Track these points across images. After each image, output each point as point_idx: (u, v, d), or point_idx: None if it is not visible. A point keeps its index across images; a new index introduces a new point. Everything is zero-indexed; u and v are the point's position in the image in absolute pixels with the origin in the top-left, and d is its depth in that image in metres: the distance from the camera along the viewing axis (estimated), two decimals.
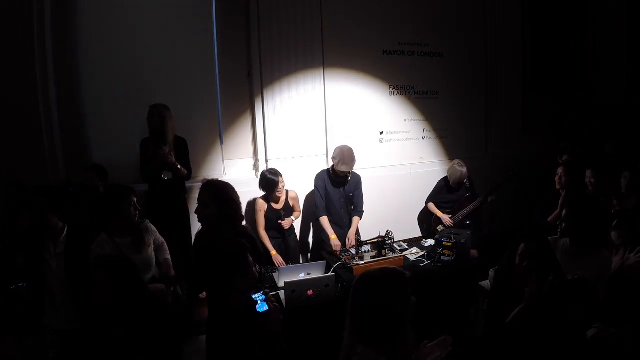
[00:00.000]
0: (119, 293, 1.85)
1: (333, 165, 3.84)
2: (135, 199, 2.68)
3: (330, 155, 4.52)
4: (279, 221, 3.74)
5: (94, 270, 1.90)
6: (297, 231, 4.19)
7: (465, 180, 4.25)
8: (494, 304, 2.40)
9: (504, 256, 2.44)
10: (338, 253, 3.63)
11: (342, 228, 3.91)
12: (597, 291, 2.37)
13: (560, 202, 3.79)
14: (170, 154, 3.55)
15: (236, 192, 2.48)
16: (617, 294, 2.19)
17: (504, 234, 4.58)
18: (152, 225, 2.83)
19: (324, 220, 3.84)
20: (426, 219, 4.57)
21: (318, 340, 2.67)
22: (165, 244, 2.89)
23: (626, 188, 3.39)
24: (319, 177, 3.94)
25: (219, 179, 2.68)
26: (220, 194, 2.41)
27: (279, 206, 3.82)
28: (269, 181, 3.68)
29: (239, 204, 2.48)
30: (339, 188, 3.91)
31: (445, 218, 4.19)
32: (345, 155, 3.74)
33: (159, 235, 2.86)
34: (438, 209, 4.31)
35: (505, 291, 2.30)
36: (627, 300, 2.12)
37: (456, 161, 4.26)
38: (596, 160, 4.24)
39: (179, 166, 3.60)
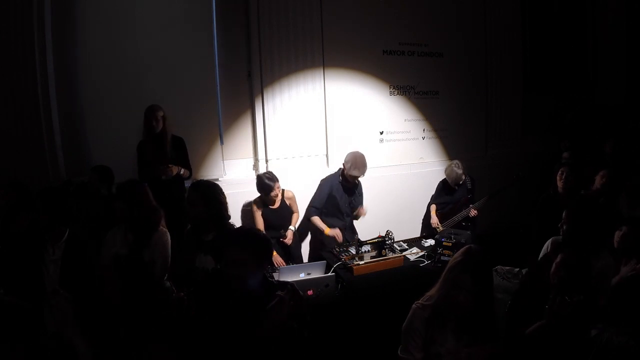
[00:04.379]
0: (133, 291, 1.85)
1: (344, 171, 3.84)
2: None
3: (331, 156, 4.55)
4: (281, 239, 3.74)
5: (113, 268, 1.90)
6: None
7: (467, 181, 4.24)
8: (516, 307, 2.34)
9: (537, 261, 2.41)
10: (340, 241, 3.65)
11: (342, 231, 3.87)
12: (599, 294, 2.35)
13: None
14: (171, 169, 3.57)
15: (223, 193, 2.59)
16: (620, 300, 2.16)
17: (504, 234, 4.62)
18: (168, 238, 2.78)
19: (316, 220, 3.84)
20: (424, 222, 4.58)
21: (318, 341, 2.67)
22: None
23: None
24: (326, 183, 3.90)
25: (207, 180, 2.82)
26: (208, 194, 2.53)
27: (275, 206, 3.83)
28: (265, 185, 3.69)
29: (225, 204, 2.59)
30: (347, 194, 3.91)
31: (434, 220, 4.21)
32: (357, 161, 3.76)
33: (167, 257, 2.81)
34: (439, 210, 4.32)
35: (531, 296, 2.23)
36: (630, 306, 2.10)
37: (454, 162, 4.26)
38: (597, 160, 4.23)
39: (182, 171, 3.66)
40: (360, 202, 4.05)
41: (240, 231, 2.14)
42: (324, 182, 3.94)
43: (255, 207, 3.81)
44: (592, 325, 2.03)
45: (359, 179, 3.96)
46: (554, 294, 2.06)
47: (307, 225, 4.24)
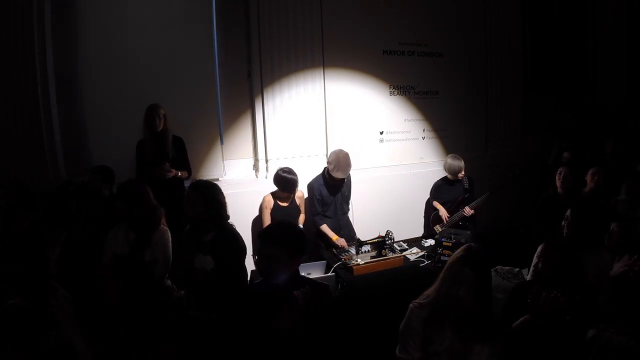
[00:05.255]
0: (134, 290, 1.85)
1: (328, 170, 3.76)
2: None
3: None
4: None
5: (113, 268, 1.90)
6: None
7: (464, 180, 4.23)
8: (510, 305, 2.35)
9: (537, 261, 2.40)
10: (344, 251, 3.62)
11: (338, 231, 3.88)
12: (597, 293, 2.36)
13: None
14: (170, 169, 3.56)
15: (222, 193, 2.60)
16: (619, 298, 2.16)
17: (504, 234, 4.63)
18: (169, 236, 2.81)
19: (325, 228, 3.79)
20: (426, 220, 4.57)
21: (317, 341, 2.66)
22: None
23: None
24: (314, 186, 3.82)
25: (207, 179, 2.84)
26: (207, 194, 2.53)
27: (285, 204, 3.83)
28: (289, 181, 3.67)
29: (224, 204, 2.59)
30: (336, 192, 3.88)
31: (444, 212, 4.18)
32: (340, 162, 3.68)
33: (169, 256, 2.83)
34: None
35: (526, 295, 2.21)
36: (629, 305, 2.09)
37: (450, 155, 4.24)
38: (597, 160, 4.23)
39: (179, 174, 3.66)
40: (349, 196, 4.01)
41: (276, 225, 2.13)
42: (312, 186, 3.85)
43: (264, 204, 3.81)
44: (590, 324, 2.03)
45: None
46: (535, 288, 2.07)
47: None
